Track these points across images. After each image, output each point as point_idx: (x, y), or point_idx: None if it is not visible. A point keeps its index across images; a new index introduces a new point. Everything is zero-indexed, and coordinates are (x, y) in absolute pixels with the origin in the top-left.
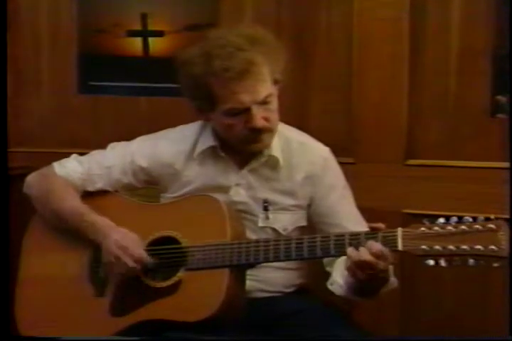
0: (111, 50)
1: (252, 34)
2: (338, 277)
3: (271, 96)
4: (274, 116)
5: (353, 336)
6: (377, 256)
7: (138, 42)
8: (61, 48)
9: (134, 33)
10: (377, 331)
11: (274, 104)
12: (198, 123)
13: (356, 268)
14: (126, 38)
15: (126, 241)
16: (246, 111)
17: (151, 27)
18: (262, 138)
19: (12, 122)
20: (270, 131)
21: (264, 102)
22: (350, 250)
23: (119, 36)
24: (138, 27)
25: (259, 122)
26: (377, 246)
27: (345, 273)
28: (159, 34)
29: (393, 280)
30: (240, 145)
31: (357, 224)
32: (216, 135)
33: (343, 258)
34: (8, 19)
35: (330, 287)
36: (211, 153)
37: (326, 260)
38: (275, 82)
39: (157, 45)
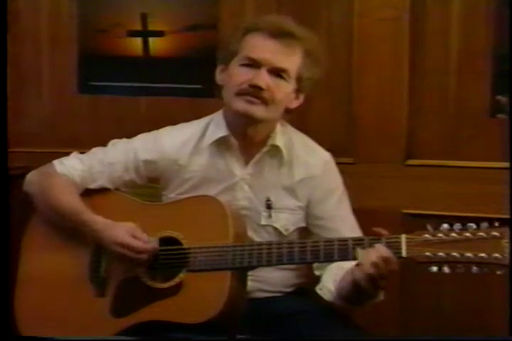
0: (111, 50)
1: (313, 36)
2: (329, 282)
3: (286, 73)
4: (280, 95)
5: (353, 336)
6: (384, 259)
7: (138, 42)
8: (61, 48)
9: (134, 33)
10: (377, 331)
11: (285, 86)
12: (203, 120)
13: (360, 270)
14: (126, 38)
15: (124, 235)
16: (256, 67)
17: (151, 27)
18: (252, 100)
19: (12, 122)
20: (264, 100)
21: (276, 73)
22: (359, 250)
23: (119, 36)
24: (138, 27)
25: (261, 81)
26: (384, 249)
27: (337, 278)
28: (159, 34)
29: (381, 293)
30: (230, 101)
31: (351, 229)
32: (228, 125)
33: (335, 264)
34: (9, 19)
35: (319, 291)
36: (220, 144)
37: (316, 264)
38: (298, 77)
39: (157, 45)
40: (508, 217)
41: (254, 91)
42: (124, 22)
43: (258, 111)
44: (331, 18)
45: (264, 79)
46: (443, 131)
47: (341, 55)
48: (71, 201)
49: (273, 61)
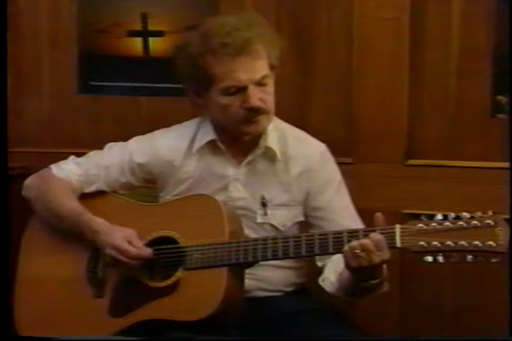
0: (111, 50)
1: (247, 17)
2: (331, 274)
3: (267, 77)
4: (271, 98)
5: (353, 336)
6: (376, 243)
7: (138, 42)
8: (61, 48)
9: (134, 33)
10: (377, 331)
11: (271, 87)
12: (194, 121)
13: (352, 254)
14: (126, 38)
15: (120, 240)
16: (242, 90)
17: (151, 27)
18: (258, 119)
19: (12, 122)
20: (266, 113)
21: (261, 83)
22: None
23: (119, 36)
24: (138, 27)
25: (255, 102)
26: (377, 235)
27: (338, 269)
28: (159, 34)
29: (385, 284)
30: (237, 129)
31: (352, 219)
32: (215, 128)
33: (338, 255)
34: (9, 19)
35: (321, 283)
36: (210, 147)
37: None
38: (271, 66)
39: (157, 45)
40: (508, 216)
41: (253, 112)
42: (124, 22)
43: (265, 123)
44: (331, 19)
45: (255, 96)
46: (443, 131)
47: (341, 55)
48: (70, 203)
49: (254, 77)
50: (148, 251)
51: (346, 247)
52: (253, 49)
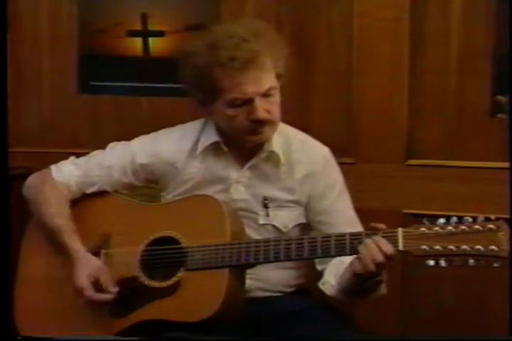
0: (111, 50)
1: (255, 27)
2: (331, 277)
3: (274, 89)
4: (277, 109)
5: (353, 336)
6: (387, 256)
7: (138, 42)
8: (61, 48)
9: (134, 33)
10: (377, 331)
11: (277, 97)
12: (198, 122)
13: (360, 263)
14: (126, 38)
15: (84, 279)
16: (249, 102)
17: (151, 27)
18: (263, 130)
19: (12, 122)
20: (272, 123)
21: (267, 94)
22: (361, 247)
23: (119, 36)
24: (138, 27)
25: (261, 114)
26: (388, 246)
27: (339, 273)
28: (159, 34)
29: (383, 287)
30: (241, 138)
31: (352, 224)
32: (219, 131)
33: (338, 259)
34: (9, 19)
35: (321, 286)
36: (213, 149)
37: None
38: (277, 75)
39: (157, 45)
40: (508, 216)
41: (258, 124)
42: (124, 22)
43: (269, 133)
44: (331, 18)
45: (261, 108)
46: (443, 131)
47: (341, 55)
48: (57, 218)
49: (260, 89)
50: (106, 295)
51: (359, 265)
52: (260, 61)
